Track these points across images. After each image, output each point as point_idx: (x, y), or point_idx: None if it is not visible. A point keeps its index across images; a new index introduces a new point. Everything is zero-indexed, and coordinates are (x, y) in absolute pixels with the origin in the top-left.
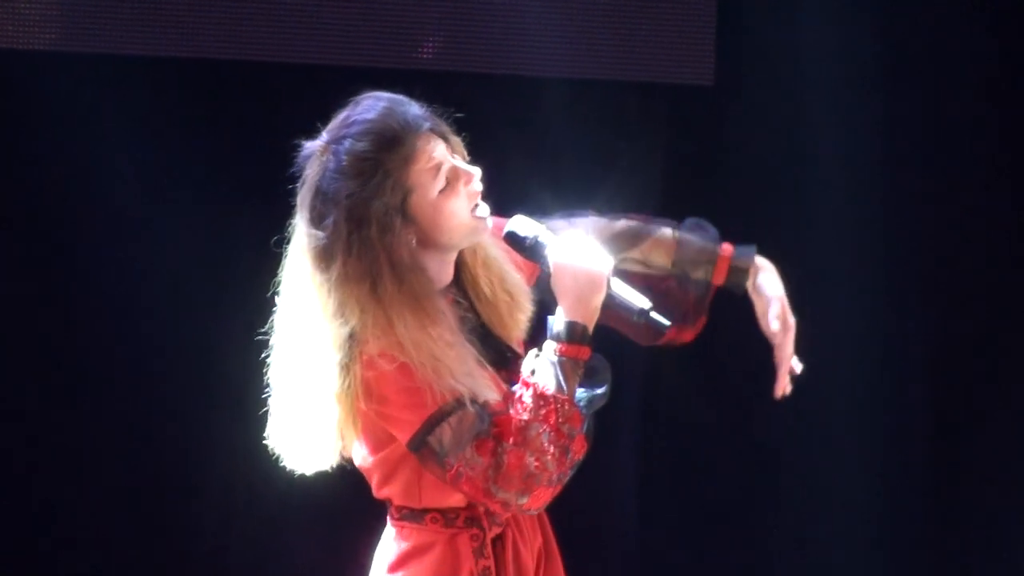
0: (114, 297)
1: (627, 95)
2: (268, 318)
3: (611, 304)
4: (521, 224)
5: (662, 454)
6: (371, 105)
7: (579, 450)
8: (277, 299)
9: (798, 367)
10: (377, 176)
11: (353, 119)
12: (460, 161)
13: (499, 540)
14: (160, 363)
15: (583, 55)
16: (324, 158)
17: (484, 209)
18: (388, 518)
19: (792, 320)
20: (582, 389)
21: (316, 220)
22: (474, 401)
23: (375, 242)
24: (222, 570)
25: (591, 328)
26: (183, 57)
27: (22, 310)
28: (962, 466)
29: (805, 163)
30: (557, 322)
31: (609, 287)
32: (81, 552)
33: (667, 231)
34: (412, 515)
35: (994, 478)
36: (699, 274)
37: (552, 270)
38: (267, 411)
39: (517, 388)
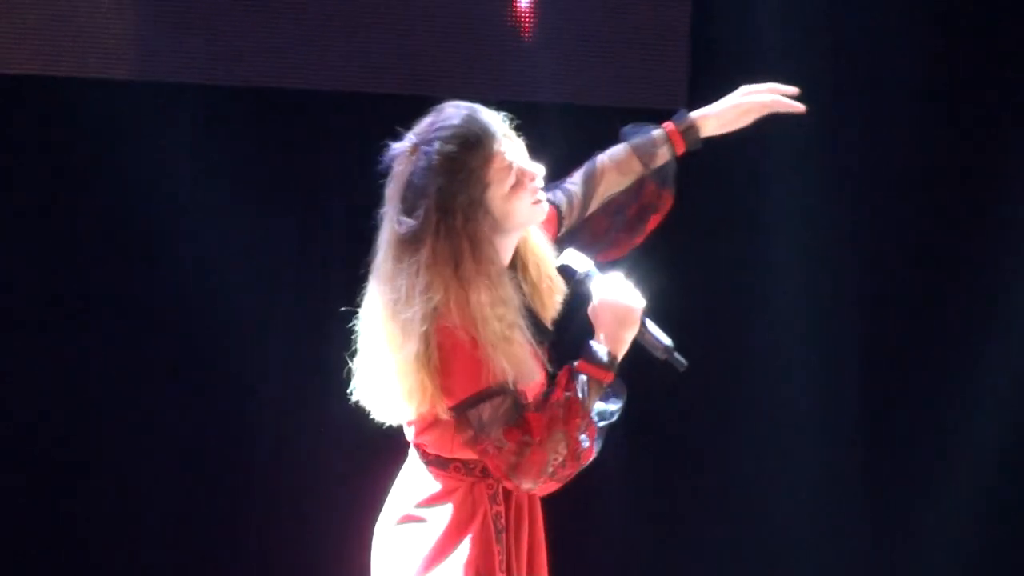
0: (181, 296)
1: (602, 119)
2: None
3: (640, 339)
4: (573, 258)
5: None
6: (455, 112)
7: (588, 457)
8: (369, 276)
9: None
10: (462, 173)
11: (439, 124)
12: (525, 160)
13: (509, 491)
14: (218, 351)
15: (560, 81)
16: (414, 157)
17: (543, 198)
18: (418, 460)
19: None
20: (601, 404)
21: (408, 210)
22: (516, 389)
23: (459, 229)
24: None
25: (620, 358)
26: (237, 86)
27: (98, 309)
28: (889, 432)
29: (769, 179)
30: (594, 347)
31: (643, 324)
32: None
33: (619, 148)
34: (439, 462)
35: (915, 449)
36: (664, 157)
37: (596, 303)
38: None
39: (551, 391)
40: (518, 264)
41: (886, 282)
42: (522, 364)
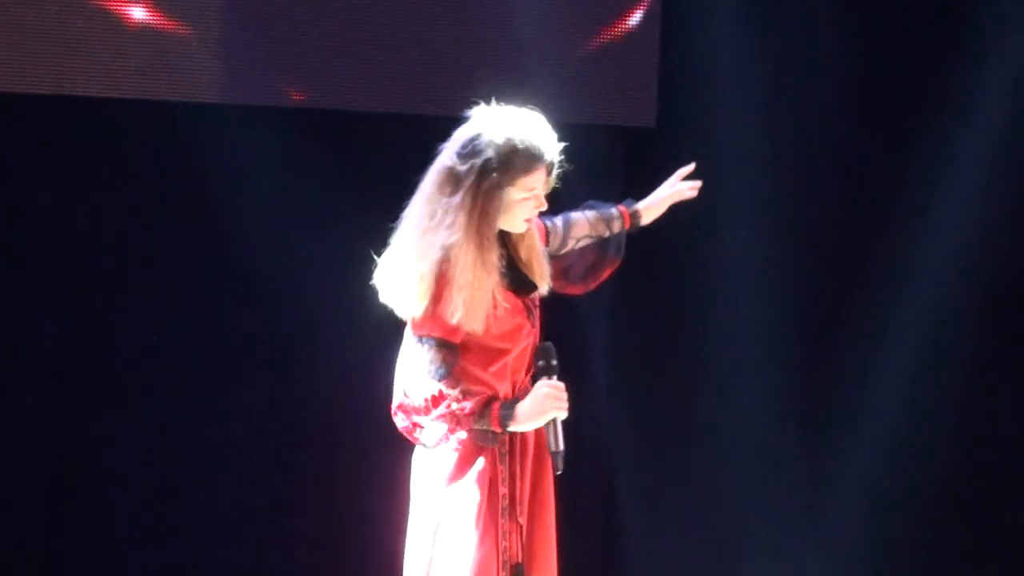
0: (261, 300)
1: (578, 137)
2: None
3: (546, 430)
4: (548, 351)
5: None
6: (540, 127)
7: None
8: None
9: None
10: (508, 165)
11: (526, 124)
12: (542, 193)
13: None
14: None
15: (534, 100)
16: (494, 124)
17: (533, 220)
18: None
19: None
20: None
21: (465, 156)
22: (456, 360)
23: (484, 194)
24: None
25: (513, 430)
26: (322, 108)
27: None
28: (823, 401)
29: (728, 192)
30: (511, 412)
31: (554, 423)
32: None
33: (589, 212)
34: None
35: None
36: (616, 229)
37: (539, 390)
38: None
39: (467, 398)
40: (510, 247)
41: (818, 271)
42: (474, 312)
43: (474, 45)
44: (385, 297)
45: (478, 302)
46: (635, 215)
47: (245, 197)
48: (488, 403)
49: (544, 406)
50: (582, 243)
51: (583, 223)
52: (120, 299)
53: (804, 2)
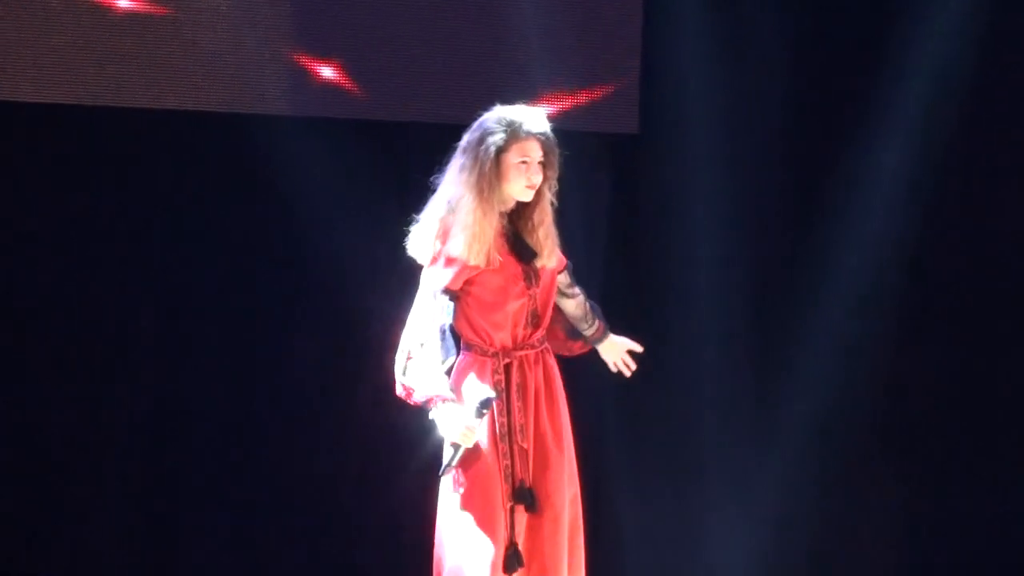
0: (322, 293)
1: (567, 143)
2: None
3: (449, 445)
4: (487, 403)
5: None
6: (525, 110)
7: (401, 397)
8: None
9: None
10: (499, 134)
11: (514, 110)
12: (534, 161)
13: (508, 367)
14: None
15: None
16: (493, 112)
17: (532, 190)
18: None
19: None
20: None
21: (470, 133)
22: (452, 311)
23: (482, 156)
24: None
25: (432, 413)
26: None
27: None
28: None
29: (705, 199)
30: (436, 410)
31: (453, 446)
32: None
33: (589, 303)
34: (466, 346)
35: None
36: (587, 330)
37: (461, 419)
38: None
39: (414, 386)
40: (522, 219)
41: (768, 250)
42: (475, 247)
43: (487, 62)
44: (410, 248)
45: (478, 240)
46: (604, 336)
47: (323, 202)
48: (433, 396)
49: (454, 432)
50: (567, 308)
51: (581, 301)
52: (208, 300)
53: (758, 21)
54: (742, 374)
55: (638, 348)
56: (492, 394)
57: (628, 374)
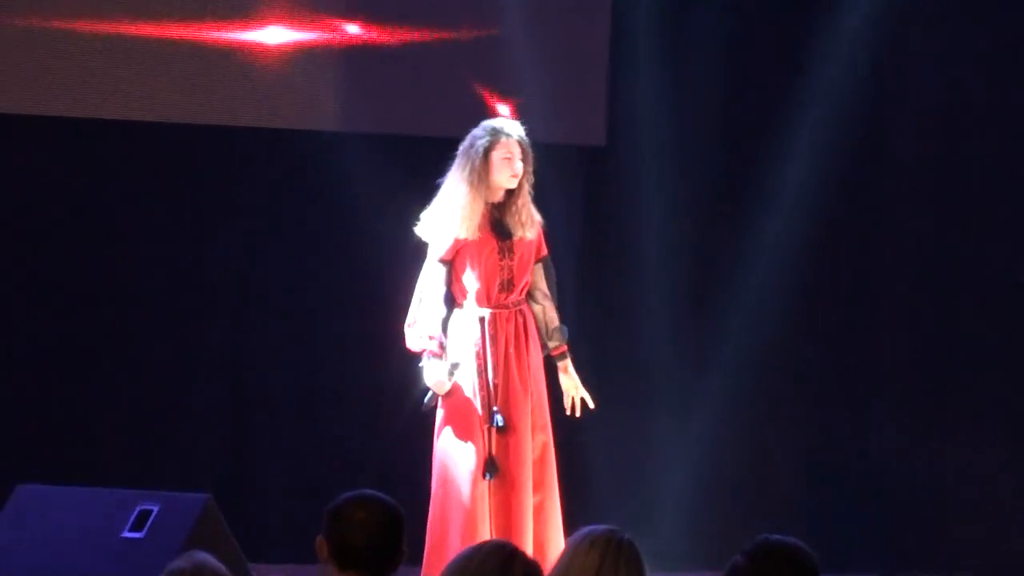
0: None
1: (541, 155)
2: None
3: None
4: (457, 358)
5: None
6: (504, 120)
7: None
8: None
9: (579, 407)
10: (485, 138)
11: (495, 120)
12: (515, 157)
13: (483, 320)
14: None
15: (485, 119)
16: (476, 128)
17: (515, 178)
18: None
19: (578, 397)
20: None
21: (466, 146)
22: (447, 277)
23: (473, 154)
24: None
25: (422, 365)
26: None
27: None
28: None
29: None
30: (429, 363)
31: (433, 392)
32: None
33: (555, 319)
34: (457, 304)
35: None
36: (548, 343)
37: (437, 378)
38: None
39: (419, 336)
40: (506, 206)
41: (708, 227)
42: (464, 221)
43: (488, 84)
44: (418, 230)
45: (467, 218)
46: (562, 359)
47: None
48: (423, 349)
49: (431, 382)
50: (536, 313)
51: (545, 316)
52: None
53: (700, 57)
54: (686, 329)
55: (590, 404)
56: (458, 361)
57: (574, 415)
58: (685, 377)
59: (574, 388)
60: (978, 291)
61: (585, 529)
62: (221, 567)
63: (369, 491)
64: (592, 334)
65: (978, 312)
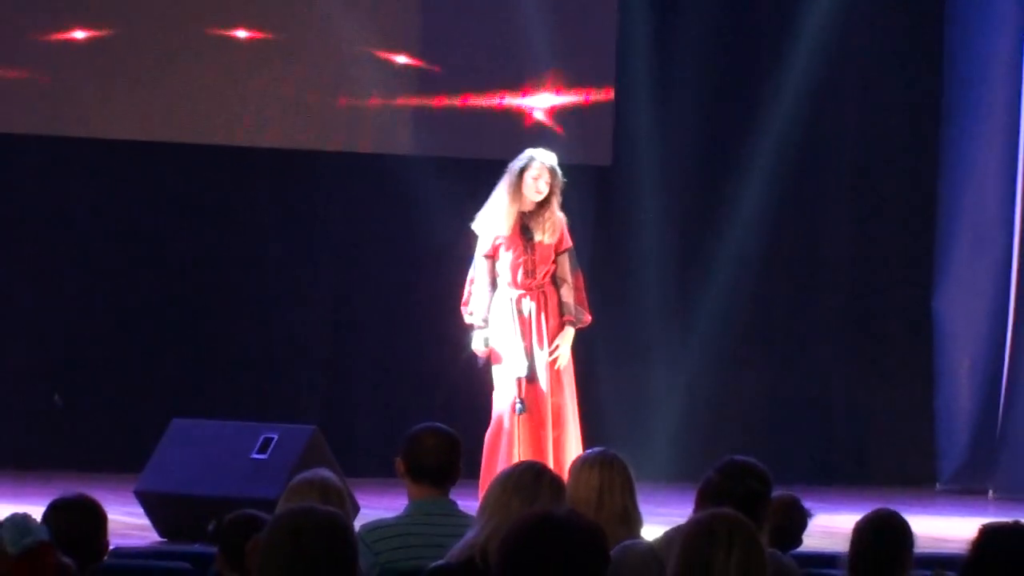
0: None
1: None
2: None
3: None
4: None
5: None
6: (538, 150)
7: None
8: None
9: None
10: (523, 162)
11: (535, 150)
12: (544, 181)
13: (513, 299)
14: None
15: (502, 139)
16: (521, 155)
17: (540, 194)
18: None
19: (556, 356)
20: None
21: (511, 165)
22: (491, 268)
23: (512, 175)
24: None
25: (472, 337)
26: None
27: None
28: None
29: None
30: (476, 333)
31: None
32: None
33: (568, 298)
34: (497, 285)
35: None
36: (564, 316)
37: (483, 333)
38: None
39: (468, 312)
40: (535, 214)
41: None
42: (501, 221)
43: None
44: (473, 226)
45: (504, 219)
46: (566, 325)
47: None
48: (472, 323)
49: (474, 346)
50: (561, 293)
51: (567, 294)
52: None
53: (689, 100)
54: (673, 305)
55: (557, 363)
56: (487, 335)
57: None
58: (672, 340)
59: (556, 347)
60: (894, 271)
61: (582, 455)
62: (335, 478)
63: (435, 423)
64: (604, 310)
65: (891, 296)
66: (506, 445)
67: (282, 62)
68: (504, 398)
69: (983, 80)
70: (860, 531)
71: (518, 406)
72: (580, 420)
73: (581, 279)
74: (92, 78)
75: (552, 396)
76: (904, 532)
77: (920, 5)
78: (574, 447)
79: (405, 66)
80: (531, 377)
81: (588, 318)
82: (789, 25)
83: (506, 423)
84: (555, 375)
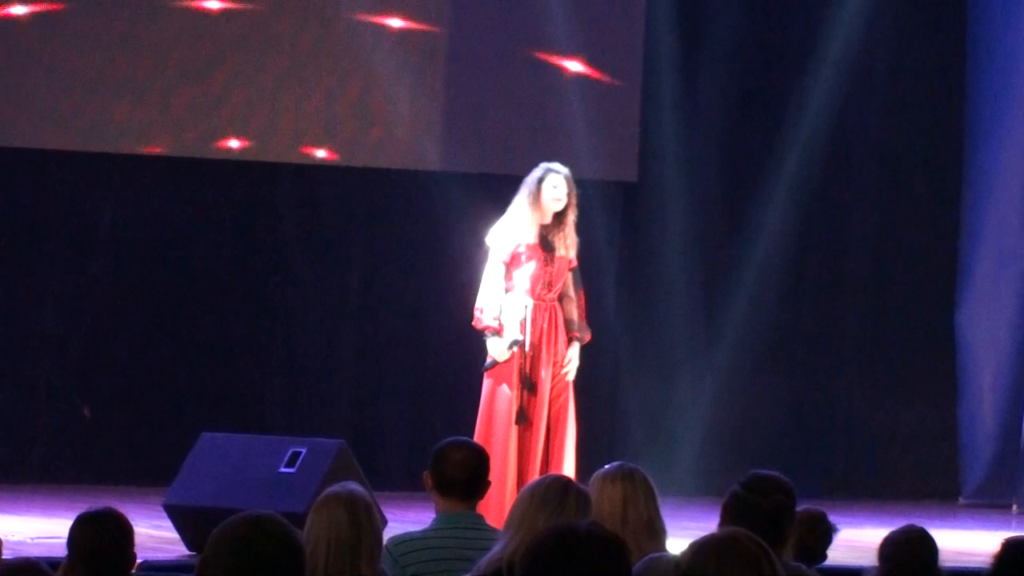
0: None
1: (581, 190)
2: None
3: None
4: (515, 336)
5: None
6: (552, 164)
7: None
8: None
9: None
10: (541, 174)
11: (551, 163)
12: (563, 191)
13: (527, 308)
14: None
15: (527, 155)
16: (537, 167)
17: (559, 203)
18: None
19: (565, 372)
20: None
21: (528, 178)
22: (504, 274)
23: (531, 186)
24: None
25: (487, 339)
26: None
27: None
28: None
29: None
30: (492, 340)
31: (490, 360)
32: None
33: (574, 313)
34: (510, 294)
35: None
36: (570, 331)
37: (501, 339)
38: None
39: (482, 318)
40: (553, 227)
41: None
42: (522, 230)
43: (530, 132)
44: (488, 239)
45: (525, 229)
46: (573, 341)
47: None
48: (486, 326)
49: (494, 352)
50: (565, 308)
51: (572, 310)
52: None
53: (713, 118)
54: (698, 319)
55: (569, 376)
56: (519, 338)
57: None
58: (697, 354)
59: (569, 361)
60: (917, 286)
61: (601, 471)
62: (363, 492)
63: (462, 437)
64: (629, 324)
65: (914, 310)
66: (500, 454)
67: (313, 77)
68: (502, 405)
69: (1007, 93)
70: (891, 545)
71: (518, 419)
72: (602, 433)
73: (583, 297)
74: (121, 94)
75: (551, 406)
76: (934, 550)
77: (943, 23)
78: (565, 458)
79: (431, 84)
80: (532, 388)
81: (589, 336)
82: (813, 41)
83: (500, 431)
84: (560, 387)
